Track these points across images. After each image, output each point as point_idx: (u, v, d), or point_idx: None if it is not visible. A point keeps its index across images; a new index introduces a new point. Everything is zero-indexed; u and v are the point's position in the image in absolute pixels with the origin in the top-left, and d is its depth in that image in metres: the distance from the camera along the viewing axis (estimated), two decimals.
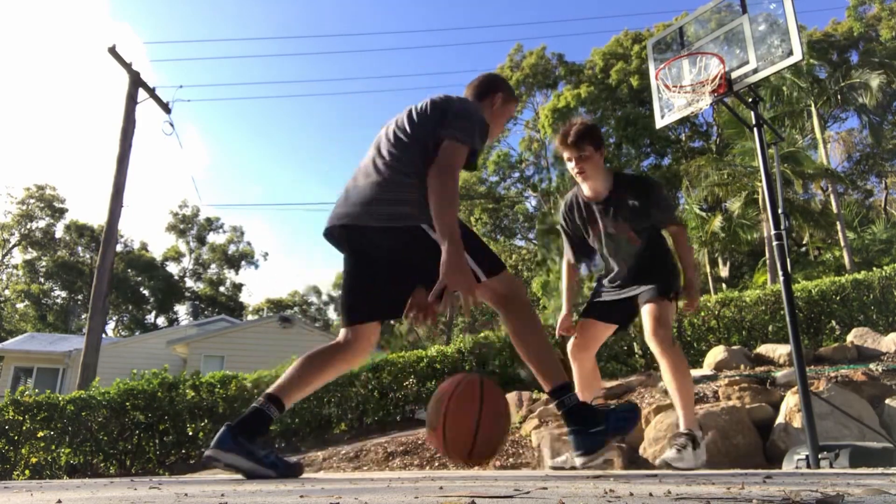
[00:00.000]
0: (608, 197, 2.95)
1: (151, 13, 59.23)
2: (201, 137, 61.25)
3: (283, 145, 66.86)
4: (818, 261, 21.48)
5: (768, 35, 4.05)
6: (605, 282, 3.18)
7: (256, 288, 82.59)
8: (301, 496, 1.20)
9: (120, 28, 57.19)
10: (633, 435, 4.52)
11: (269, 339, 16.68)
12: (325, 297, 41.77)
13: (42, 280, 38.06)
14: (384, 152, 2.20)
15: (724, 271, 24.15)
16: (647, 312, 2.87)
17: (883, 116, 21.86)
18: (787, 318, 3.80)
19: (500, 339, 7.42)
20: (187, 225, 41.89)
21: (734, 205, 18.64)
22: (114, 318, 39.56)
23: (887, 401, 4.44)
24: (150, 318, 40.45)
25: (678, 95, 4.34)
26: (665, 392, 5.19)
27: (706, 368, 5.98)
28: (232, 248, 42.87)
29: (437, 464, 5.05)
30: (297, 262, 68.14)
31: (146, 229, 77.82)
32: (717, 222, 18.45)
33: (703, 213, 19.66)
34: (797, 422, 4.06)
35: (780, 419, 4.31)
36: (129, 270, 38.74)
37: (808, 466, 3.46)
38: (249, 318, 38.23)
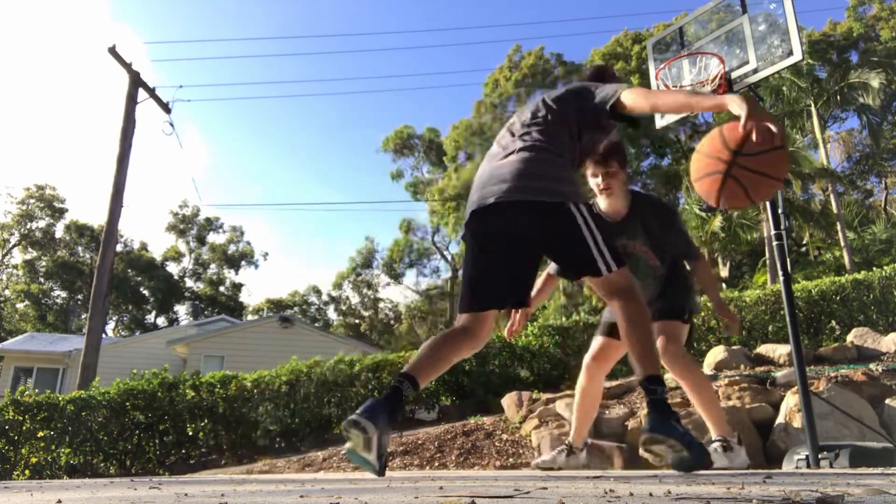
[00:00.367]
0: (628, 215, 2.92)
1: (151, 13, 59.22)
2: (201, 137, 61.25)
3: (283, 145, 66.82)
4: (818, 261, 21.48)
5: (768, 35, 4.06)
6: None
7: (256, 288, 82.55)
8: (301, 496, 1.20)
9: (120, 29, 57.20)
10: (633, 435, 4.53)
11: (269, 339, 16.68)
12: (325, 297, 41.78)
13: (42, 280, 38.06)
14: (534, 135, 2.24)
15: (724, 271, 24.14)
16: (656, 332, 2.83)
17: (883, 117, 21.86)
18: (787, 318, 3.81)
19: (500, 339, 7.42)
20: (187, 225, 41.88)
21: None
22: (114, 318, 39.56)
23: (887, 401, 4.44)
24: (150, 318, 40.45)
25: None
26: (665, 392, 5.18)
27: (706, 368, 5.98)
28: (232, 248, 42.86)
29: (437, 464, 5.06)
30: (297, 262, 68.14)
31: (146, 229, 77.85)
32: (717, 222, 18.46)
33: (703, 213, 19.67)
34: (797, 422, 4.06)
35: (780, 419, 4.31)
36: (129, 270, 38.74)
37: (808, 466, 3.46)
38: (249, 318, 38.22)
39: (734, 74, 4.16)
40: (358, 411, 1.93)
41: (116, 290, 35.66)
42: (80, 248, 39.14)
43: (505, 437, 5.19)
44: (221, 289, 42.16)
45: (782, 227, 3.91)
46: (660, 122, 4.65)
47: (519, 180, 2.14)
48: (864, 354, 5.81)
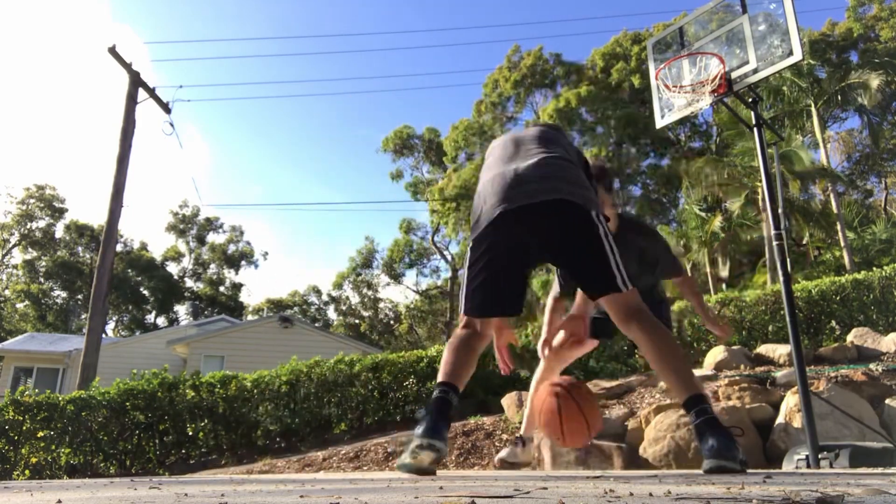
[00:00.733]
0: (616, 238, 2.97)
1: (151, 13, 59.22)
2: (202, 137, 61.26)
3: (283, 145, 66.83)
4: (818, 261, 21.48)
5: (768, 35, 4.06)
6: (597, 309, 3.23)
7: (256, 288, 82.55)
8: (301, 496, 1.20)
9: (120, 29, 57.19)
10: (633, 435, 4.53)
11: (269, 339, 16.68)
12: (325, 297, 41.79)
13: (42, 280, 38.06)
14: (555, 150, 2.26)
15: (724, 271, 24.14)
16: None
17: (882, 116, 21.86)
18: (787, 318, 3.81)
19: None
20: (187, 225, 41.89)
21: (734, 205, 18.65)
22: (114, 318, 39.56)
23: (887, 401, 4.44)
24: (150, 318, 40.45)
25: (678, 95, 4.34)
26: (665, 391, 5.19)
27: (706, 368, 5.98)
28: (231, 248, 42.88)
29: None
30: (297, 262, 68.15)
31: (146, 229, 77.84)
32: (717, 222, 18.47)
33: (703, 213, 19.67)
34: (797, 422, 4.06)
35: (780, 419, 4.31)
36: (129, 270, 38.74)
37: (808, 466, 3.46)
38: (249, 318, 38.23)
39: (734, 74, 4.16)
40: (424, 433, 1.98)
41: (116, 290, 35.66)
42: (80, 248, 39.14)
43: (505, 437, 5.19)
44: (221, 289, 42.17)
45: (782, 227, 3.91)
46: (660, 121, 4.65)
47: (548, 182, 2.09)
48: (864, 354, 5.81)
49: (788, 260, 3.91)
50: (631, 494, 1.11)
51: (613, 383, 5.61)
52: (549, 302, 3.19)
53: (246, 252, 43.07)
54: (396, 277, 36.51)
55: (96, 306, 10.62)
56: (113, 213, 11.15)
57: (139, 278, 39.47)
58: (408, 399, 7.16)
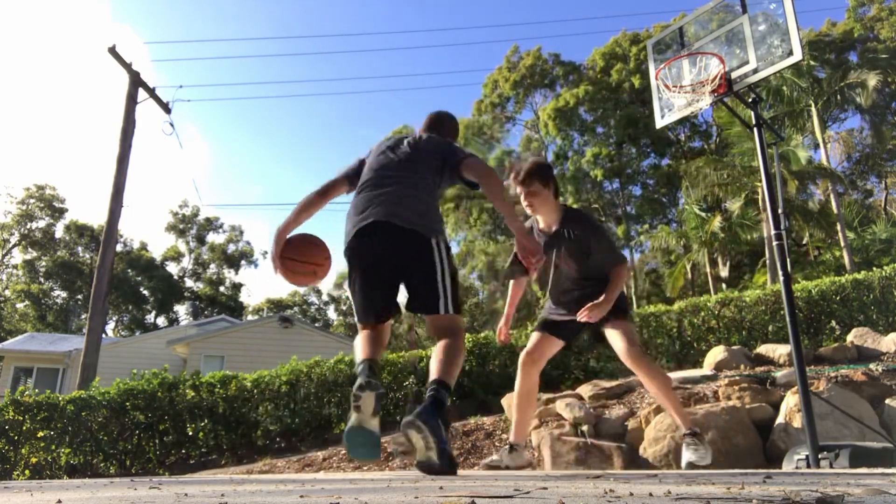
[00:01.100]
0: (557, 230, 3.17)
1: (152, 13, 59.23)
2: (202, 137, 61.24)
3: (283, 145, 66.86)
4: (818, 261, 21.48)
5: (768, 35, 4.06)
6: (550, 304, 3.37)
7: (256, 288, 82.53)
8: (301, 496, 1.20)
9: (121, 29, 57.19)
10: (633, 435, 4.53)
11: (269, 339, 16.68)
12: (325, 297, 41.76)
13: (42, 280, 38.05)
14: (410, 173, 2.57)
15: (724, 271, 24.14)
16: (615, 334, 3.08)
17: (882, 116, 21.86)
18: (787, 318, 3.81)
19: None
20: (187, 225, 41.88)
21: (734, 205, 18.64)
22: (114, 318, 39.55)
23: (887, 401, 4.44)
24: (150, 318, 40.45)
25: (678, 95, 4.34)
26: None
27: (706, 368, 5.98)
28: (231, 248, 42.88)
29: None
30: None
31: (146, 229, 77.82)
32: (717, 222, 18.46)
33: (703, 213, 19.67)
34: (797, 422, 4.06)
35: (780, 419, 4.31)
36: (129, 270, 38.73)
37: (808, 466, 3.46)
38: (249, 318, 38.21)
39: (734, 74, 4.16)
40: (357, 387, 2.30)
41: (116, 290, 35.65)
42: (80, 248, 39.13)
43: (505, 437, 5.19)
44: (221, 289, 42.16)
45: (782, 227, 3.91)
46: (660, 121, 4.65)
47: (398, 209, 2.42)
48: (864, 354, 5.80)
49: (788, 260, 3.91)
50: (631, 494, 1.11)
51: (613, 383, 5.60)
52: (512, 282, 3.47)
53: (246, 252, 43.09)
54: None
55: (96, 306, 10.62)
56: (113, 213, 11.14)
57: (139, 278, 39.46)
58: (408, 399, 7.16)
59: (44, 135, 61.08)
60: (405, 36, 61.27)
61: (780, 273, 3.88)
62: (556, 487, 1.34)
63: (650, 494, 1.11)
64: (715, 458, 4.05)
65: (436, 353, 2.42)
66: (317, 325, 31.49)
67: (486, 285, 33.32)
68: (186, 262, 42.39)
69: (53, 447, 6.87)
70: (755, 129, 4.14)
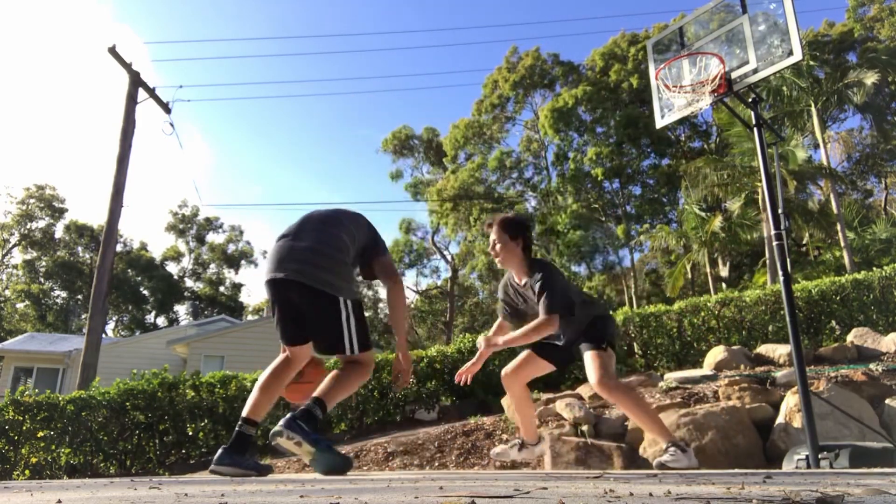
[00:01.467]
0: (526, 282, 3.31)
1: (152, 13, 59.22)
2: (202, 137, 61.26)
3: (283, 145, 66.85)
4: (818, 261, 21.48)
5: (768, 35, 4.06)
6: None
7: (256, 288, 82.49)
8: (301, 496, 1.20)
9: (121, 29, 57.19)
10: (633, 435, 4.53)
11: (269, 339, 16.60)
12: None
13: (42, 280, 38.04)
14: (329, 235, 2.80)
15: (724, 271, 24.14)
16: (588, 364, 3.17)
17: (882, 116, 21.85)
18: (787, 318, 3.81)
19: None
20: (187, 225, 41.87)
21: (734, 205, 18.64)
22: (114, 318, 39.55)
23: (887, 401, 4.44)
24: (150, 318, 40.43)
25: (678, 95, 4.34)
26: (665, 392, 5.19)
27: (706, 368, 5.98)
28: (231, 248, 42.87)
29: (437, 464, 5.06)
30: None
31: (146, 229, 77.81)
32: (716, 222, 18.46)
33: (703, 213, 19.66)
34: (797, 422, 4.06)
35: (780, 419, 4.31)
36: (129, 270, 38.73)
37: (808, 466, 3.46)
38: (249, 318, 38.21)
39: (734, 74, 4.16)
40: (220, 462, 2.56)
41: (116, 290, 35.65)
42: (80, 248, 39.12)
43: (505, 437, 5.19)
44: (221, 289, 42.15)
45: (782, 227, 3.91)
46: (660, 121, 4.65)
47: (311, 268, 2.66)
48: (864, 354, 5.80)
49: (788, 260, 3.91)
50: (631, 494, 1.11)
51: None
52: (495, 325, 3.69)
53: (246, 252, 43.08)
54: None
55: (96, 306, 10.62)
56: (113, 213, 11.15)
57: (139, 278, 39.46)
58: (408, 399, 7.17)
59: (44, 135, 61.12)
60: (405, 36, 61.25)
61: (780, 273, 3.88)
62: (556, 487, 1.34)
63: (650, 494, 1.11)
64: (715, 458, 4.06)
65: (330, 376, 2.78)
66: None
67: (486, 285, 33.34)
68: (186, 262, 42.41)
69: (53, 447, 6.87)
70: (755, 129, 4.14)
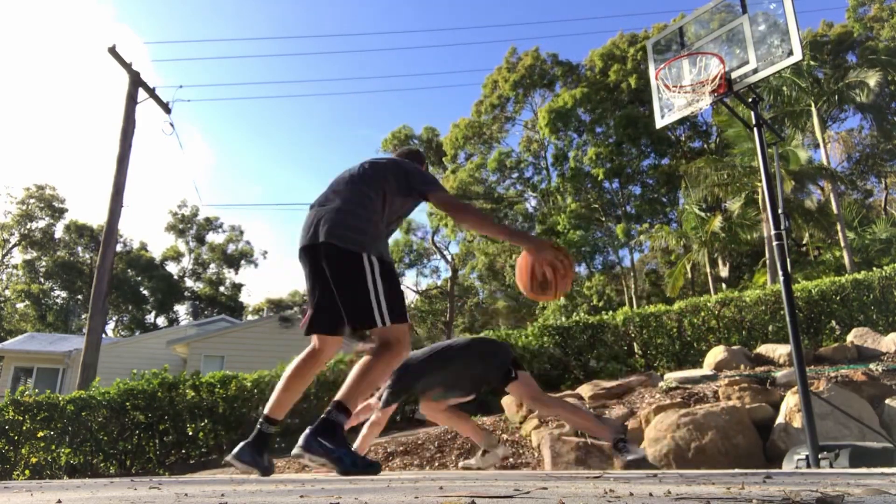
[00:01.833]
0: None
1: (152, 13, 59.22)
2: (202, 137, 61.27)
3: (283, 145, 66.87)
4: (818, 261, 21.47)
5: (768, 35, 4.05)
6: None
7: (256, 288, 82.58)
8: (301, 496, 1.20)
9: (121, 29, 57.19)
10: (633, 435, 4.53)
11: (269, 339, 16.67)
12: None
13: (42, 280, 38.04)
14: (349, 191, 2.63)
15: (724, 271, 24.14)
16: (515, 386, 3.49)
17: (882, 115, 21.85)
18: (787, 318, 3.80)
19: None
20: (186, 225, 41.87)
21: (734, 205, 18.64)
22: (114, 318, 39.55)
23: (887, 401, 4.44)
24: (150, 318, 40.43)
25: (678, 95, 4.34)
26: (665, 392, 5.19)
27: (706, 368, 5.98)
28: (231, 248, 42.86)
29: (436, 464, 5.06)
30: (297, 262, 68.06)
31: (146, 229, 77.83)
32: (717, 222, 18.46)
33: (703, 213, 19.67)
34: (797, 422, 4.06)
35: (780, 419, 4.31)
36: (129, 270, 38.73)
37: (808, 466, 3.46)
38: (249, 318, 38.22)
39: (734, 74, 4.16)
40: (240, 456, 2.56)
41: (116, 290, 35.66)
42: (80, 248, 39.12)
43: (505, 437, 5.19)
44: (221, 289, 42.14)
45: (782, 227, 3.91)
46: (660, 121, 4.65)
47: (331, 226, 2.48)
48: (864, 354, 5.80)
49: (788, 260, 3.91)
50: (631, 494, 1.11)
51: (613, 383, 5.60)
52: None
53: (246, 252, 43.07)
54: None
55: (96, 306, 10.62)
56: (113, 213, 11.14)
57: (139, 278, 39.46)
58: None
59: (44, 135, 61.12)
60: (405, 36, 61.26)
61: (780, 273, 3.88)
62: (556, 487, 1.34)
63: (650, 494, 1.11)
64: (715, 458, 4.06)
65: (356, 368, 2.50)
66: None
67: (486, 285, 33.33)
68: (186, 262, 42.40)
69: (53, 447, 6.87)
70: (755, 129, 4.14)
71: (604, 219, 28.01)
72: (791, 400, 4.32)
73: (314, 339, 2.66)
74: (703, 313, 7.29)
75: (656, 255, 29.27)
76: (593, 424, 3.36)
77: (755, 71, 4.06)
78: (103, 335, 12.37)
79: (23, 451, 6.90)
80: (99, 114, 67.78)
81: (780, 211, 3.93)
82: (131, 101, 11.73)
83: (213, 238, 42.81)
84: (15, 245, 38.02)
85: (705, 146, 26.68)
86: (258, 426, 2.58)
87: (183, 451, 7.04)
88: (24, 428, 6.90)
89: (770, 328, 7.00)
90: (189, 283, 42.21)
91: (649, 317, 7.41)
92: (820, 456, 3.42)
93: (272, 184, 64.52)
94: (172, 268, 41.78)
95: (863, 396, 4.49)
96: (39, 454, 6.88)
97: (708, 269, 22.32)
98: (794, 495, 1.04)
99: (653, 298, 25.26)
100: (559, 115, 26.22)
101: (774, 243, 3.92)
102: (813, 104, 18.69)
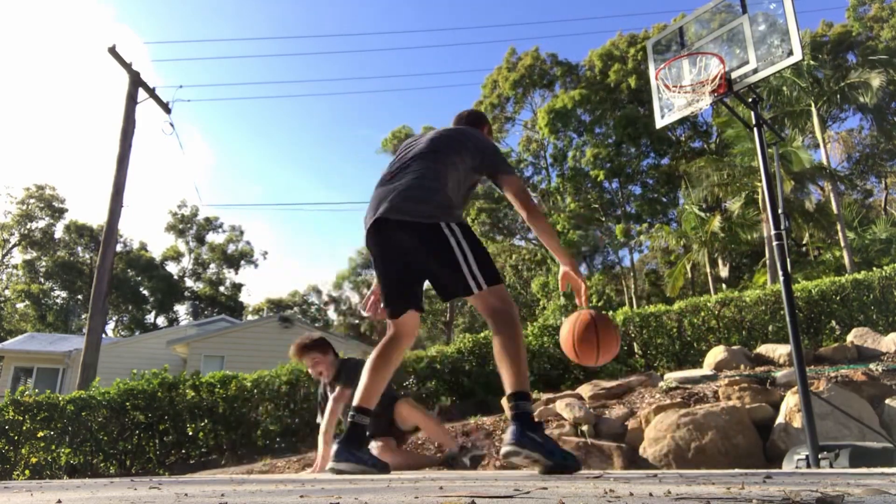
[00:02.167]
0: (334, 378, 4.14)
1: (152, 13, 59.23)
2: (202, 137, 61.26)
3: (283, 145, 66.88)
4: (818, 261, 21.48)
5: (768, 35, 4.06)
6: None
7: (256, 288, 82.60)
8: (301, 496, 1.20)
9: (121, 30, 57.19)
10: (633, 435, 4.53)
11: (269, 339, 16.67)
12: (325, 297, 41.74)
13: (42, 280, 38.04)
14: (419, 165, 2.50)
15: (724, 271, 24.14)
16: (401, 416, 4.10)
17: (882, 116, 21.86)
18: (787, 318, 3.80)
19: None
20: (186, 225, 41.86)
21: (734, 205, 18.65)
22: (114, 318, 39.55)
23: (887, 401, 4.44)
24: (150, 318, 40.43)
25: (678, 95, 4.34)
26: (665, 392, 5.19)
27: (706, 368, 5.98)
28: (231, 248, 42.85)
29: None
30: (297, 262, 68.18)
31: (146, 229, 77.84)
32: (716, 222, 18.46)
33: (703, 214, 19.67)
34: (797, 422, 4.06)
35: (780, 419, 4.31)
36: (129, 270, 38.73)
37: (808, 466, 3.46)
38: (249, 318, 38.20)
39: (734, 74, 4.16)
40: (339, 458, 2.31)
41: (116, 290, 35.65)
42: (79, 248, 39.12)
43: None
44: (221, 289, 42.14)
45: (782, 227, 3.91)
46: (660, 122, 4.65)
47: (403, 202, 2.37)
48: (864, 354, 5.80)
49: (788, 260, 3.91)
50: (631, 494, 1.11)
51: (613, 383, 5.60)
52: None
53: (246, 252, 43.07)
54: None
55: (96, 306, 10.62)
56: (113, 213, 11.14)
57: (139, 278, 39.46)
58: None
59: (44, 135, 61.11)
60: (405, 36, 61.30)
61: (780, 273, 3.88)
62: (556, 487, 1.35)
63: (650, 494, 1.11)
64: (715, 458, 4.06)
65: (497, 355, 2.27)
66: (317, 325, 31.49)
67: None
68: (186, 262, 42.40)
69: (53, 447, 6.87)
70: (755, 129, 4.14)
71: (603, 219, 28.01)
72: (791, 400, 4.32)
73: (392, 323, 2.49)
74: (703, 313, 7.29)
75: (656, 255, 29.29)
76: (443, 436, 4.18)
77: (755, 71, 4.06)
78: (103, 335, 12.37)
79: (23, 451, 6.90)
80: (99, 114, 67.79)
81: (780, 211, 3.93)
82: (131, 101, 11.73)
83: (213, 238, 42.85)
84: (15, 245, 38.02)
85: (705, 146, 26.69)
86: (350, 420, 2.38)
87: (183, 451, 7.04)
88: (24, 428, 6.90)
89: (770, 328, 7.00)
90: (189, 283, 42.24)
91: (649, 317, 7.41)
92: (820, 456, 3.42)
93: (272, 184, 64.56)
94: (172, 268, 41.80)
95: (863, 396, 4.49)
96: (39, 454, 6.88)
97: (708, 269, 22.32)
98: (794, 495, 1.04)
99: (653, 298, 25.27)
100: (559, 115, 26.23)
101: (774, 243, 3.92)
102: (813, 104, 18.69)
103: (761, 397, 4.60)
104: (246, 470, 5.70)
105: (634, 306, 20.49)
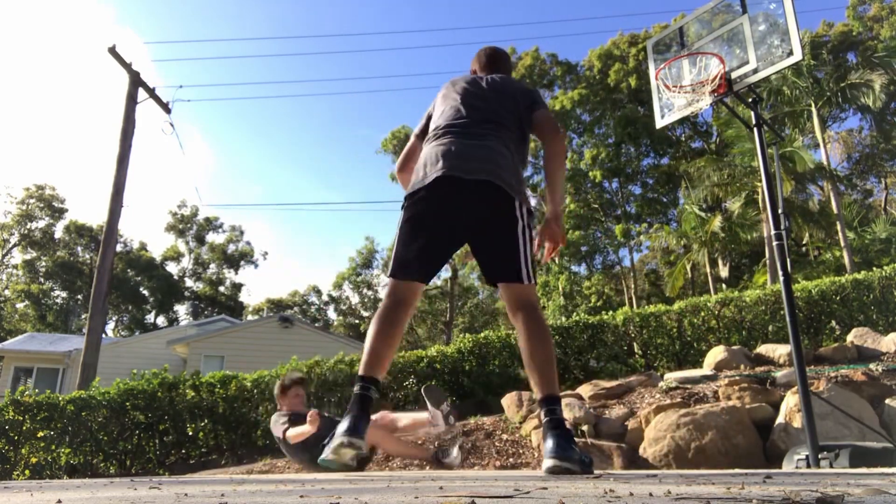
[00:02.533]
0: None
1: (152, 13, 59.24)
2: (202, 137, 61.27)
3: (283, 145, 66.89)
4: (818, 261, 21.48)
5: (768, 35, 4.06)
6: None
7: (256, 288, 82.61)
8: (301, 496, 1.20)
9: (121, 29, 57.18)
10: (633, 435, 4.53)
11: (269, 339, 16.67)
12: (325, 297, 41.75)
13: (42, 280, 38.04)
14: (505, 131, 2.35)
15: (724, 271, 24.14)
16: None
17: (882, 116, 21.86)
18: (787, 318, 3.80)
19: (499, 339, 7.42)
20: (186, 225, 41.88)
21: (734, 205, 18.65)
22: (114, 318, 39.55)
23: (887, 401, 4.44)
24: (150, 318, 40.44)
25: (678, 95, 4.34)
26: (665, 392, 5.19)
27: (706, 368, 5.98)
28: (231, 248, 42.86)
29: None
30: (297, 262, 68.18)
31: (146, 229, 77.82)
32: (717, 222, 18.46)
33: (703, 214, 19.67)
34: (797, 422, 4.06)
35: (780, 419, 4.31)
36: (129, 270, 38.74)
37: (808, 466, 3.46)
38: (249, 318, 38.20)
39: (734, 74, 4.16)
40: (345, 432, 2.04)
41: (116, 290, 35.65)
42: (79, 248, 39.13)
43: (505, 437, 5.19)
44: (221, 289, 42.15)
45: (782, 227, 3.91)
46: (660, 122, 4.65)
47: (491, 165, 2.21)
48: (864, 354, 5.80)
49: (788, 260, 3.91)
50: (631, 494, 1.11)
51: (613, 383, 5.60)
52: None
53: (246, 252, 43.08)
54: None
55: (96, 306, 10.62)
56: (113, 213, 11.14)
57: (139, 278, 39.46)
58: (408, 399, 7.16)
59: (44, 135, 61.12)
60: (404, 36, 61.29)
61: (780, 273, 3.88)
62: (556, 487, 1.35)
63: (650, 494, 1.11)
64: (715, 458, 4.06)
65: (528, 355, 2.14)
66: (317, 325, 31.49)
67: (486, 285, 33.35)
68: (186, 262, 42.41)
69: (53, 447, 6.87)
70: (755, 129, 4.14)
71: (603, 219, 28.01)
72: (791, 400, 4.32)
73: (400, 288, 2.28)
74: (703, 313, 7.29)
75: (656, 255, 29.28)
76: (409, 452, 4.50)
77: (755, 71, 4.06)
78: (103, 335, 12.37)
79: (23, 451, 6.90)
80: (99, 114, 67.79)
81: (780, 211, 3.93)
82: (131, 101, 11.73)
83: (213, 238, 42.86)
84: (15, 245, 38.03)
85: (705, 146, 26.69)
86: (357, 391, 2.17)
87: (183, 451, 7.04)
88: (24, 428, 6.90)
89: (770, 328, 7.00)
90: (189, 283, 42.25)
91: (649, 317, 7.41)
92: (820, 456, 3.42)
93: (272, 184, 64.55)
94: (172, 268, 41.81)
95: (863, 396, 4.49)
96: (39, 454, 6.88)
97: (708, 269, 22.32)
98: (794, 495, 1.04)
99: (653, 298, 25.28)
100: (558, 115, 26.24)
101: (774, 243, 3.92)
102: (813, 104, 18.68)
103: (761, 397, 4.60)
104: (246, 470, 5.70)
105: (634, 306, 20.49)
